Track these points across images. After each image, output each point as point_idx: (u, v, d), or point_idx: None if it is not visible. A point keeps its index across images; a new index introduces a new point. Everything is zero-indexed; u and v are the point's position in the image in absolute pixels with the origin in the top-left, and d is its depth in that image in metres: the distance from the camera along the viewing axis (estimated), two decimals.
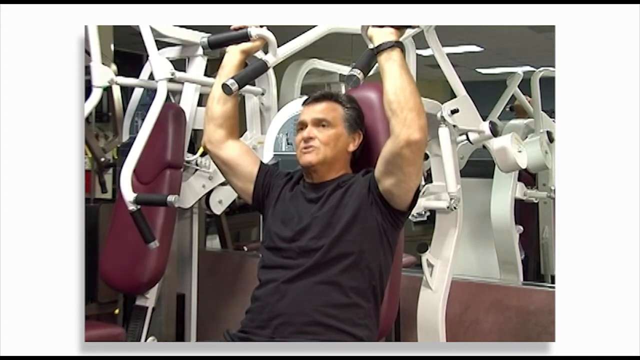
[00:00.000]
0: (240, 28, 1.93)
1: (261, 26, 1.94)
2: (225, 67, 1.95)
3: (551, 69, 3.34)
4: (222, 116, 1.93)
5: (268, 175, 1.92)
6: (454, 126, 2.12)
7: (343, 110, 1.86)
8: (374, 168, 1.77)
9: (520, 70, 3.67)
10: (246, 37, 1.92)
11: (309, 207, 1.81)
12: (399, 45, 1.66)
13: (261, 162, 1.97)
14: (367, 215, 1.73)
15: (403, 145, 1.61)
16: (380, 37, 1.68)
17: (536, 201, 3.28)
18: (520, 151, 2.39)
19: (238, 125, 1.99)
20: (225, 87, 1.81)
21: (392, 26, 1.68)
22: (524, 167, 2.44)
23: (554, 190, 3.09)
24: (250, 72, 1.88)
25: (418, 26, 1.62)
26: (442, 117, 2.11)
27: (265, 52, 2.02)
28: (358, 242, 1.72)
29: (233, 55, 1.96)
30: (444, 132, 2.12)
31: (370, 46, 1.70)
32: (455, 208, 2.15)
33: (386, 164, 1.68)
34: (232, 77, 1.82)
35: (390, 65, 1.65)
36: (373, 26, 1.70)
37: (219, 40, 1.99)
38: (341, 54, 3.76)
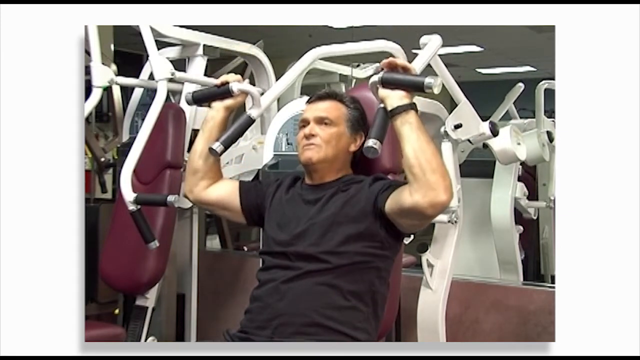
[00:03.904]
0: (223, 84, 1.91)
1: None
2: (209, 122, 1.92)
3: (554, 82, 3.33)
4: (205, 171, 1.92)
5: (252, 193, 1.92)
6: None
7: (346, 110, 1.86)
8: (381, 174, 1.81)
9: (520, 69, 3.67)
10: (228, 93, 1.90)
11: (306, 208, 1.80)
12: (412, 107, 1.64)
13: (240, 185, 1.95)
14: (371, 230, 1.72)
15: (427, 207, 1.59)
16: (393, 101, 1.64)
17: (535, 218, 3.28)
18: (519, 144, 2.40)
19: (220, 172, 1.96)
20: (212, 151, 1.81)
21: (403, 89, 1.65)
22: (523, 159, 2.44)
23: (554, 200, 3.09)
24: (236, 130, 1.85)
25: (431, 89, 1.60)
26: (445, 132, 2.11)
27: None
28: (360, 253, 1.72)
29: (216, 112, 1.92)
30: (446, 147, 2.12)
31: (381, 105, 1.67)
32: (455, 222, 2.16)
33: (403, 210, 1.65)
34: (218, 140, 1.81)
35: (407, 129, 1.62)
36: (383, 87, 1.66)
37: (203, 96, 1.98)
38: None
